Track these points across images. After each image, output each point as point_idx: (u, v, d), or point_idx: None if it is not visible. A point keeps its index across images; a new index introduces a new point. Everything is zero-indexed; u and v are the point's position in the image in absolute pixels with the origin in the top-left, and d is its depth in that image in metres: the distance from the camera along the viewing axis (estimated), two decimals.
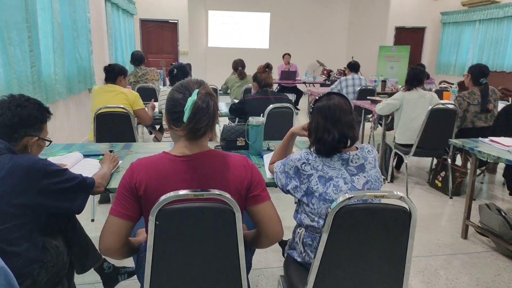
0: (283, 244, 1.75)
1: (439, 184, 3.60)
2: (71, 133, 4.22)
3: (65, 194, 1.41)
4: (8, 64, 2.83)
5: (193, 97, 1.21)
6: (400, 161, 3.94)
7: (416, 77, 3.43)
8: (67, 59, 4.09)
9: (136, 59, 4.90)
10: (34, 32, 3.24)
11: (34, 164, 1.33)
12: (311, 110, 1.60)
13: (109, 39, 6.05)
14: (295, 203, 2.77)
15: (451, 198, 3.44)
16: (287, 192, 1.58)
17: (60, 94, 3.81)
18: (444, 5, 8.66)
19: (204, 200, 1.20)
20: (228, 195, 1.20)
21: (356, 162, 1.49)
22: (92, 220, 2.85)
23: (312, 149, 1.54)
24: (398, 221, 1.23)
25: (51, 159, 1.89)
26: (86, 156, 2.03)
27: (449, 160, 3.49)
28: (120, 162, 1.95)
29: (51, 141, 1.55)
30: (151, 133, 4.87)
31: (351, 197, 1.19)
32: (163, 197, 1.17)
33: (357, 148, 1.54)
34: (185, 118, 1.20)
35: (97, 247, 1.87)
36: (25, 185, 1.31)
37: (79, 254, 1.73)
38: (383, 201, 1.26)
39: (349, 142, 1.51)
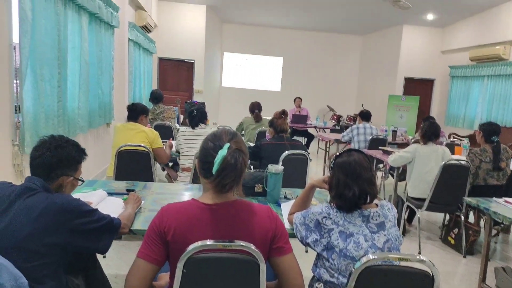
0: None
1: (452, 242, 3.55)
2: (87, 166, 4.29)
3: (93, 234, 1.44)
4: (38, 98, 2.95)
5: (224, 151, 1.26)
6: (411, 214, 3.93)
7: (434, 132, 3.49)
8: (90, 94, 4.25)
9: (155, 97, 5.08)
10: (64, 69, 3.41)
11: (69, 204, 1.38)
12: (331, 165, 1.65)
13: (129, 76, 6.28)
14: (306, 251, 2.78)
15: (464, 257, 3.38)
16: (307, 244, 1.60)
17: (82, 127, 3.93)
18: (453, 59, 8.92)
19: (230, 250, 1.24)
20: (253, 247, 1.23)
21: (376, 220, 1.52)
22: (104, 257, 2.85)
23: (332, 204, 1.58)
24: (421, 286, 1.24)
25: (77, 195, 1.95)
26: (109, 194, 2.08)
27: (462, 217, 3.47)
28: (143, 202, 1.99)
29: (83, 181, 1.61)
30: (163, 170, 4.93)
31: (375, 258, 1.21)
32: (191, 246, 1.20)
33: (377, 205, 1.57)
34: (214, 170, 1.25)
35: (114, 287, 1.87)
36: (58, 225, 1.35)
37: None
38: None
39: (369, 198, 1.55)
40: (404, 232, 3.79)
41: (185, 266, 1.21)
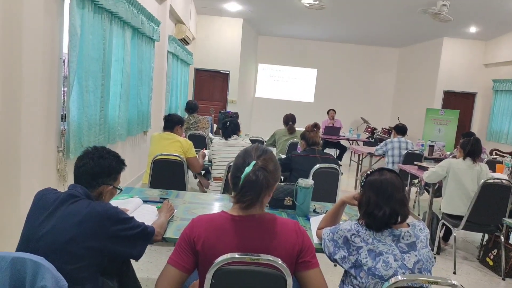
0: None
1: (491, 263, 3.39)
2: (124, 172, 4.48)
3: (129, 240, 1.52)
4: (82, 108, 3.14)
5: (249, 168, 1.31)
6: (448, 232, 3.79)
7: (478, 150, 3.36)
8: (130, 104, 4.45)
9: (191, 107, 5.24)
10: (107, 81, 3.61)
11: (108, 211, 1.47)
12: (362, 183, 1.65)
13: (166, 86, 6.51)
14: (334, 265, 2.74)
15: (503, 279, 3.22)
16: (334, 261, 1.60)
17: (121, 135, 4.11)
18: (496, 72, 8.55)
19: (258, 264, 1.27)
20: (280, 261, 1.25)
21: (407, 240, 1.50)
22: (137, 261, 2.95)
23: (361, 222, 1.57)
24: None
25: (114, 201, 2.05)
26: (144, 201, 2.18)
27: (502, 237, 3.31)
28: (176, 211, 2.07)
29: (122, 190, 1.70)
30: (195, 178, 5.05)
31: (403, 280, 1.20)
32: (220, 258, 1.25)
33: (408, 225, 1.55)
34: (239, 185, 1.31)
35: None
36: (97, 230, 1.44)
37: None
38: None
39: (400, 219, 1.53)
40: (439, 251, 3.66)
41: (214, 277, 1.25)
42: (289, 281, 1.26)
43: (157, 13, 5.47)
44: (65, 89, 2.98)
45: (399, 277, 1.21)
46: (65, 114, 2.98)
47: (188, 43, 7.95)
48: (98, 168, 1.56)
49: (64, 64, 2.99)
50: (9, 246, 1.51)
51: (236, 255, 1.25)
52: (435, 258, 1.64)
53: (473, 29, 8.04)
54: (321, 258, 1.66)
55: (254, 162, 1.32)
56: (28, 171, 2.51)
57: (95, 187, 1.57)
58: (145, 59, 4.89)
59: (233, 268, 1.25)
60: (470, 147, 3.36)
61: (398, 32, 9.01)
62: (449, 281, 1.20)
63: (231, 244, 1.30)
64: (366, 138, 8.60)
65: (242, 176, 1.30)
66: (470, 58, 9.03)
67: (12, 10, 2.27)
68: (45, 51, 2.65)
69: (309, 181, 2.22)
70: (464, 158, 3.38)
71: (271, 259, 1.25)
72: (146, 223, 1.65)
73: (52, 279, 1.10)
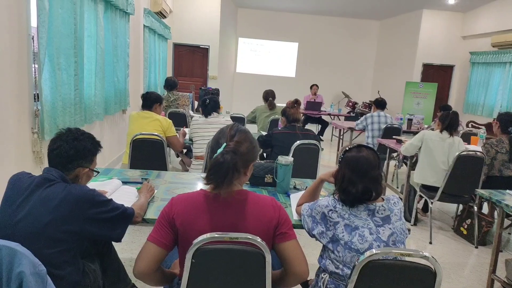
0: (305, 285, 1.79)
1: (464, 232, 3.54)
2: (103, 152, 4.40)
3: (108, 223, 1.51)
4: (55, 87, 3.03)
5: (220, 149, 1.32)
6: (427, 203, 3.92)
7: (454, 125, 3.42)
8: (106, 82, 4.32)
9: (170, 84, 5.13)
10: (80, 58, 3.48)
11: (85, 195, 1.45)
12: (340, 159, 1.67)
13: (144, 63, 6.34)
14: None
15: (476, 247, 3.38)
16: (313, 236, 1.64)
17: (98, 115, 4.02)
18: (474, 45, 8.66)
19: (237, 242, 1.28)
20: (259, 239, 1.27)
21: (382, 213, 1.54)
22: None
23: (337, 197, 1.61)
24: (423, 281, 1.26)
25: (92, 183, 2.02)
26: (124, 183, 2.15)
27: (475, 207, 3.45)
28: (156, 191, 2.06)
29: (98, 172, 1.68)
30: (177, 156, 5.02)
31: (378, 253, 1.24)
32: (199, 238, 1.25)
33: (383, 199, 1.59)
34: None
35: (128, 270, 1.96)
36: (74, 213, 1.42)
37: (112, 278, 1.82)
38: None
39: (373, 196, 1.56)
40: (416, 222, 3.79)
41: (194, 256, 1.26)
42: (268, 258, 1.29)
43: None
44: (36, 67, 2.86)
45: (374, 251, 1.25)
46: (38, 94, 2.88)
47: (165, 17, 7.70)
48: (73, 150, 1.53)
49: (33, 41, 2.85)
50: None
51: (215, 234, 1.26)
52: (409, 230, 1.70)
53: (451, 0, 8.05)
54: (300, 231, 1.70)
55: (225, 144, 1.32)
56: (0, 155, 2.43)
57: (70, 170, 1.54)
58: (120, 34, 4.72)
59: (213, 248, 1.27)
60: (448, 121, 3.42)
61: (379, 3, 8.94)
62: (420, 252, 1.25)
63: (208, 222, 1.32)
64: (348, 113, 8.67)
65: (214, 156, 1.31)
66: (449, 30, 9.10)
67: None
68: (11, 27, 2.52)
69: (289, 158, 2.23)
70: (441, 131, 3.45)
71: (250, 237, 1.26)
72: (126, 205, 1.64)
73: (30, 264, 1.08)
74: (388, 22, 10.47)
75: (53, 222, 1.40)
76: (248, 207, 1.36)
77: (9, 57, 2.49)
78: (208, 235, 1.26)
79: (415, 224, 3.76)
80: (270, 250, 1.35)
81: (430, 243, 3.41)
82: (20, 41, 2.66)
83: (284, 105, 3.59)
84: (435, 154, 3.39)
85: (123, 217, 1.58)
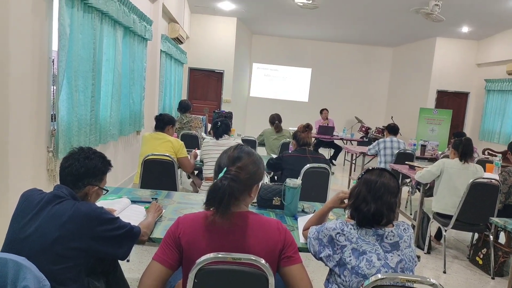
0: None
1: (480, 262, 3.42)
2: (116, 172, 4.48)
3: (114, 240, 1.52)
4: (71, 108, 3.13)
5: (221, 174, 1.33)
6: (440, 230, 3.81)
7: (468, 152, 3.37)
8: (122, 104, 4.44)
9: (183, 107, 5.24)
10: (97, 80, 3.60)
11: (93, 212, 1.47)
12: (360, 176, 1.66)
13: (160, 86, 6.50)
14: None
15: (493, 278, 3.25)
16: (319, 259, 1.62)
17: (112, 135, 4.10)
18: (489, 72, 8.62)
19: (241, 263, 1.28)
20: (263, 261, 1.26)
21: (391, 239, 1.52)
22: (128, 261, 2.95)
23: (347, 212, 1.59)
24: None
25: (102, 202, 2.05)
26: (133, 202, 2.18)
27: (491, 236, 3.34)
28: (164, 211, 2.07)
29: (108, 190, 1.70)
30: (189, 178, 5.04)
31: (383, 278, 1.21)
32: (202, 258, 1.25)
33: (393, 225, 1.57)
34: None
35: None
36: (82, 230, 1.44)
37: None
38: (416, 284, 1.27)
39: (384, 221, 1.54)
40: (430, 250, 3.69)
41: (196, 276, 1.26)
42: (271, 280, 1.27)
43: (150, 12, 5.46)
44: (55, 88, 2.97)
45: (379, 275, 1.22)
46: (55, 114, 2.97)
47: (182, 42, 7.93)
48: (84, 169, 1.56)
49: (53, 64, 2.97)
50: None
51: (219, 254, 1.26)
52: (419, 257, 1.66)
53: (465, 29, 8.09)
54: (309, 256, 1.68)
55: (225, 169, 1.34)
56: (17, 172, 2.50)
57: (80, 188, 1.57)
58: (137, 58, 4.88)
59: (216, 268, 1.26)
60: (462, 148, 3.38)
61: (392, 31, 9.05)
62: (427, 279, 1.22)
63: (211, 243, 1.31)
64: (360, 138, 8.63)
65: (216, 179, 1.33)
66: (463, 58, 9.09)
67: None
68: (33, 51, 2.64)
69: (297, 181, 2.23)
70: (460, 159, 3.40)
71: (254, 258, 1.26)
72: (133, 223, 1.65)
73: (34, 279, 1.10)
74: (402, 49, 10.54)
75: (61, 238, 1.41)
76: (251, 230, 1.35)
77: (28, 78, 2.60)
78: (211, 255, 1.26)
79: (428, 252, 3.65)
80: (274, 273, 1.34)
81: (444, 272, 3.30)
82: (41, 64, 2.77)
83: (294, 128, 3.61)
84: (457, 183, 3.32)
85: (129, 236, 1.59)
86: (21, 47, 2.45)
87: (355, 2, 7.04)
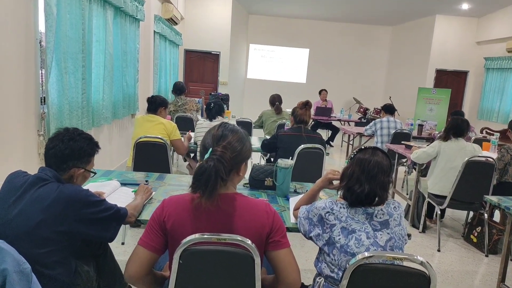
0: None
1: (474, 240, 3.43)
2: (111, 155, 4.45)
3: (100, 223, 1.51)
4: (62, 91, 3.07)
5: (207, 155, 1.30)
6: (433, 209, 3.81)
7: (457, 129, 3.36)
8: (115, 86, 4.37)
9: (178, 89, 5.17)
10: (88, 62, 3.53)
11: (77, 195, 1.45)
12: (352, 155, 1.63)
13: (154, 68, 6.41)
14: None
15: (486, 256, 3.27)
16: (309, 238, 1.61)
17: (106, 118, 4.06)
18: (488, 50, 8.50)
19: (226, 244, 1.26)
20: (249, 241, 1.24)
21: (380, 218, 1.50)
22: (123, 243, 2.97)
23: (339, 193, 1.57)
24: (418, 286, 1.21)
25: (91, 184, 2.03)
26: (123, 184, 2.16)
27: (485, 215, 3.34)
28: (154, 193, 2.05)
29: (95, 173, 1.67)
30: (185, 160, 5.03)
31: (370, 256, 1.20)
32: (187, 238, 1.23)
33: (383, 204, 1.55)
34: None
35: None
36: (66, 213, 1.42)
37: (107, 280, 1.81)
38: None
39: (376, 201, 1.52)
40: (425, 229, 3.70)
41: (181, 257, 1.24)
42: (257, 260, 1.25)
43: None
44: (44, 71, 2.91)
45: (366, 254, 1.21)
46: (45, 97, 2.92)
47: (177, 23, 7.78)
48: (68, 150, 1.52)
49: (41, 45, 2.91)
50: None
51: (205, 235, 1.24)
52: (409, 236, 1.64)
53: (465, 6, 7.93)
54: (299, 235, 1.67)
55: (211, 149, 1.30)
56: (6, 155, 2.47)
57: (65, 170, 1.54)
58: (130, 39, 4.78)
59: (200, 248, 1.25)
60: (450, 126, 3.38)
61: (391, 9, 8.87)
62: (415, 257, 1.20)
63: (198, 226, 1.29)
64: (359, 119, 8.58)
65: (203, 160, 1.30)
66: (463, 36, 8.96)
67: None
68: (18, 32, 2.57)
69: (289, 162, 2.20)
70: (446, 140, 3.37)
71: (240, 239, 1.24)
72: (120, 206, 1.63)
73: (13, 262, 1.08)
74: (400, 27, 10.37)
75: (44, 222, 1.39)
76: (241, 211, 1.33)
77: (16, 60, 2.54)
78: (196, 235, 1.24)
79: (423, 231, 3.66)
80: (261, 255, 1.32)
81: (439, 250, 3.31)
82: (28, 45, 2.71)
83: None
84: (455, 164, 3.30)
85: (116, 218, 1.57)
86: (4, 28, 2.38)
87: None
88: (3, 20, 2.36)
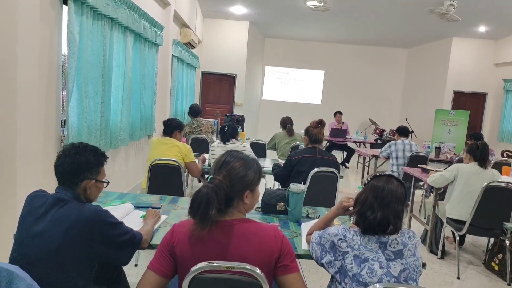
0: None
1: (496, 267, 3.30)
2: (127, 176, 4.53)
3: (116, 246, 1.51)
4: (81, 114, 3.17)
5: (208, 180, 1.32)
6: (460, 236, 3.70)
7: (486, 157, 3.30)
8: (132, 109, 4.48)
9: (194, 111, 5.27)
10: (107, 86, 3.65)
11: (96, 216, 1.46)
12: (366, 182, 1.62)
13: (171, 90, 6.55)
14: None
15: (509, 285, 3.14)
16: (321, 265, 1.58)
17: (123, 140, 4.15)
18: (507, 72, 8.38)
19: (235, 272, 1.26)
20: (258, 270, 1.24)
21: (394, 247, 1.47)
22: (136, 265, 2.97)
23: (352, 218, 1.55)
24: None
25: (105, 208, 2.06)
26: (136, 207, 2.18)
27: (507, 241, 3.22)
28: (166, 217, 2.07)
29: (108, 182, 1.68)
30: (199, 182, 5.06)
31: None
32: (196, 266, 1.24)
33: (398, 233, 1.52)
34: None
35: None
36: (86, 235, 1.43)
37: None
38: None
39: (390, 229, 1.49)
40: (443, 255, 3.58)
41: (190, 285, 1.24)
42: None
43: (161, 18, 5.51)
44: (65, 94, 3.02)
45: (377, 286, 1.18)
46: (65, 120, 3.02)
47: (194, 47, 7.99)
48: (75, 164, 1.54)
49: (63, 71, 3.03)
50: (8, 251, 1.54)
51: (215, 263, 1.24)
52: (424, 265, 1.60)
53: (482, 29, 7.89)
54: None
55: (211, 177, 1.33)
56: (25, 177, 2.54)
57: (77, 184, 1.55)
58: (148, 63, 4.93)
59: (210, 276, 1.25)
60: (480, 153, 3.29)
61: (406, 32, 8.90)
62: None
63: (206, 251, 1.30)
64: (375, 140, 8.51)
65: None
66: (480, 58, 8.87)
67: (6, 17, 2.31)
68: (42, 58, 2.69)
69: (301, 186, 2.20)
70: (480, 166, 3.30)
71: (248, 267, 1.24)
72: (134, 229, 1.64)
73: (27, 287, 1.10)
74: (416, 50, 10.36)
75: (65, 245, 1.40)
76: (250, 236, 1.33)
77: (38, 85, 2.65)
78: (205, 263, 1.24)
79: (442, 258, 3.55)
80: (270, 281, 1.31)
81: (458, 278, 3.20)
82: (50, 71, 2.83)
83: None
84: (473, 189, 3.22)
85: (132, 242, 1.58)
86: (29, 54, 2.50)
87: (367, 4, 6.95)
88: (28, 47, 2.48)
